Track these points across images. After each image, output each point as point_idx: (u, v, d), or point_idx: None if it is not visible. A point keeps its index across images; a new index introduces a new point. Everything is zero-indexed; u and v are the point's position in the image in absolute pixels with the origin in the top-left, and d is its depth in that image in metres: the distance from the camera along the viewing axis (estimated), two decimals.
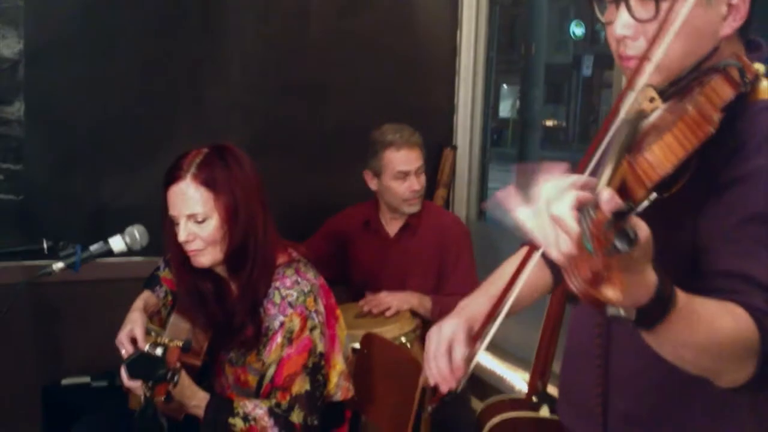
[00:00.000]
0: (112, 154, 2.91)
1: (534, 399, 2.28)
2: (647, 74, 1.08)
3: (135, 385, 1.69)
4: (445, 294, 2.57)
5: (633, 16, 1.14)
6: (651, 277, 0.90)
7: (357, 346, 2.28)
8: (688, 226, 1.11)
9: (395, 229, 2.78)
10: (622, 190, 0.94)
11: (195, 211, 1.80)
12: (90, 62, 2.86)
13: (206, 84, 3.03)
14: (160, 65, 2.96)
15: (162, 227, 1.90)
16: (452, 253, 2.67)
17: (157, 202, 1.91)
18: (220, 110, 3.04)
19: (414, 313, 2.57)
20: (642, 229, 0.84)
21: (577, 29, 19.64)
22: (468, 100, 3.48)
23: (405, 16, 3.34)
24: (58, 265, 1.79)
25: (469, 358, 1.31)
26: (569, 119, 23.35)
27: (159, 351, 1.66)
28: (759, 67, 1.13)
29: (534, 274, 1.31)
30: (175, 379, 1.65)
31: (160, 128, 2.95)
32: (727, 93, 1.03)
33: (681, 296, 0.94)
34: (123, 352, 1.90)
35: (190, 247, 1.83)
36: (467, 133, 3.47)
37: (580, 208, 0.87)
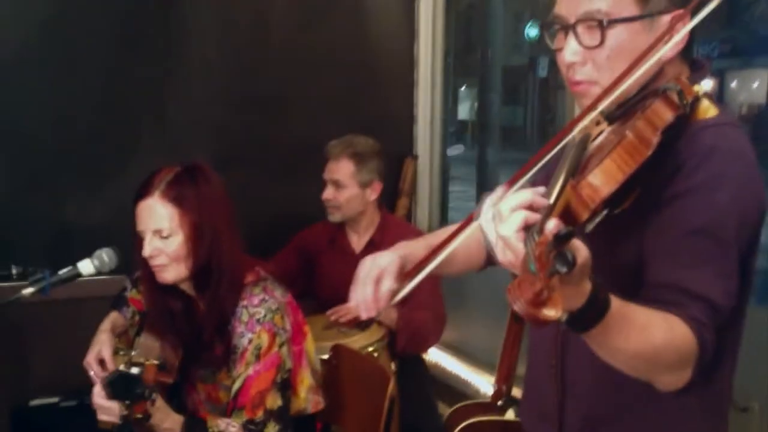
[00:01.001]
0: (75, 173, 2.92)
1: (499, 403, 2.34)
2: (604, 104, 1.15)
3: (112, 405, 1.71)
4: (409, 307, 2.61)
5: (580, 44, 1.21)
6: (587, 286, 0.96)
7: (326, 357, 2.32)
8: (635, 240, 1.18)
9: (361, 245, 2.83)
10: (567, 212, 1.01)
11: (160, 227, 1.83)
12: (50, 80, 2.88)
13: (169, 99, 3.06)
14: (121, 82, 2.98)
15: (133, 244, 1.92)
16: None
17: (122, 221, 1.94)
18: (183, 126, 3.07)
19: (380, 324, 2.62)
20: (581, 252, 0.91)
21: (531, 31, 19.87)
22: (427, 109, 3.55)
23: (363, 27, 3.40)
24: (28, 291, 1.81)
25: (395, 292, 1.34)
26: (527, 120, 23.63)
27: (136, 370, 1.69)
28: (698, 88, 1.19)
29: (473, 244, 1.35)
30: (153, 396, 1.69)
31: (123, 145, 2.98)
32: (667, 116, 1.09)
33: (615, 303, 1.00)
34: (91, 374, 1.93)
35: (154, 263, 1.87)
36: (427, 142, 3.54)
37: (527, 229, 0.94)
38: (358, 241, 2.85)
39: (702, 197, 1.13)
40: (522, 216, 0.96)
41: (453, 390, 3.16)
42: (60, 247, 2.82)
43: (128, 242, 1.93)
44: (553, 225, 0.90)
